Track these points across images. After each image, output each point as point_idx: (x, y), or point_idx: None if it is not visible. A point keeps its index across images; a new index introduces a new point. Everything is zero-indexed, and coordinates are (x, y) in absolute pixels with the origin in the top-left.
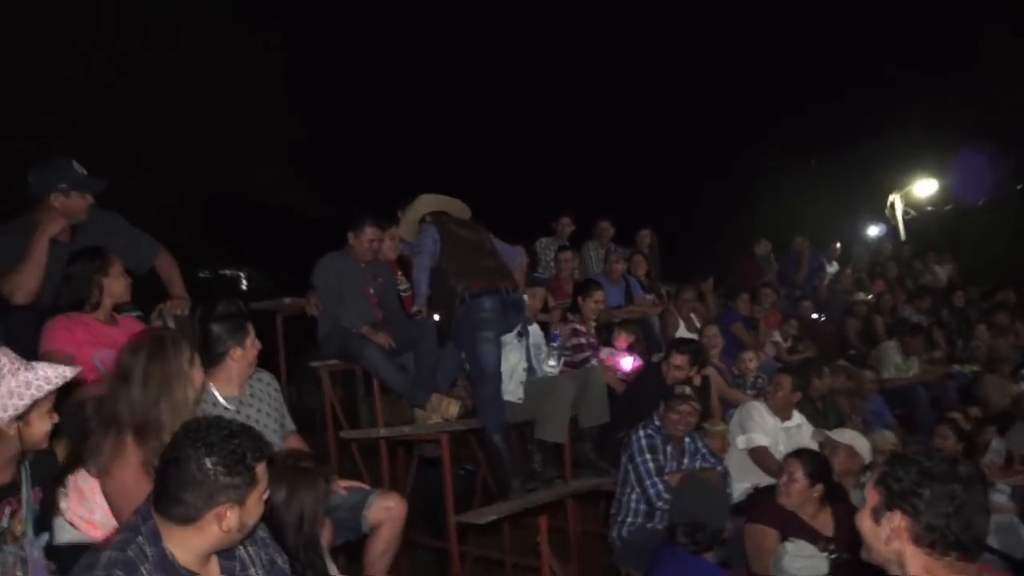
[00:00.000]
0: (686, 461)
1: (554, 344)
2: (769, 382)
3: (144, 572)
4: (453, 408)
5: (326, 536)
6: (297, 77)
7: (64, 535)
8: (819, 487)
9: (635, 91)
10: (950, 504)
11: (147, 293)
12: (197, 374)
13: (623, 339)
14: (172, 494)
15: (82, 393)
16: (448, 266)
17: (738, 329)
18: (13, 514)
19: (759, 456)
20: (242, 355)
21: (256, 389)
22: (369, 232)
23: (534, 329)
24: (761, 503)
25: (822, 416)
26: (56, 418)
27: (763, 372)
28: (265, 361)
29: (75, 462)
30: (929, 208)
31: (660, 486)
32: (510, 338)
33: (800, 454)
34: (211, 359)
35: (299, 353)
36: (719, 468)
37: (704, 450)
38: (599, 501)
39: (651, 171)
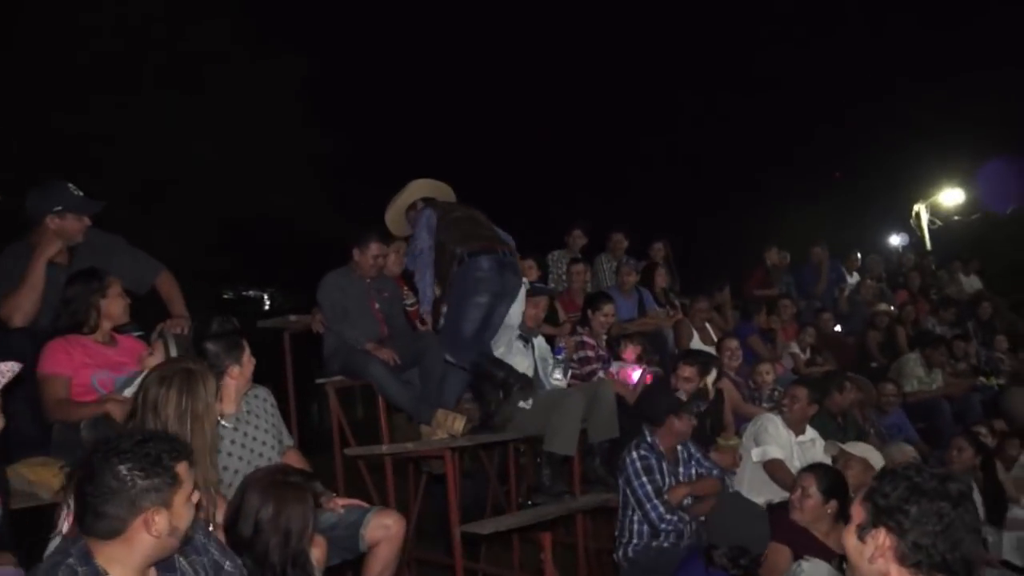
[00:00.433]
0: (681, 470)
1: (558, 356)
2: (785, 395)
3: None
4: (459, 424)
5: (318, 554)
6: (319, 98)
7: None
8: (833, 503)
9: (651, 103)
10: (938, 522)
11: (150, 312)
12: (219, 406)
13: (630, 350)
14: (94, 510)
15: (80, 414)
16: (446, 237)
17: (754, 341)
18: None
19: (774, 469)
20: (239, 372)
21: (253, 405)
22: (374, 248)
23: (539, 341)
24: (774, 519)
25: (842, 431)
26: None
27: (780, 385)
28: (275, 380)
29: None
30: (956, 217)
31: (661, 508)
32: (518, 345)
33: (815, 468)
34: None
35: (314, 371)
36: (715, 473)
37: (698, 455)
38: (610, 517)
39: (666, 182)
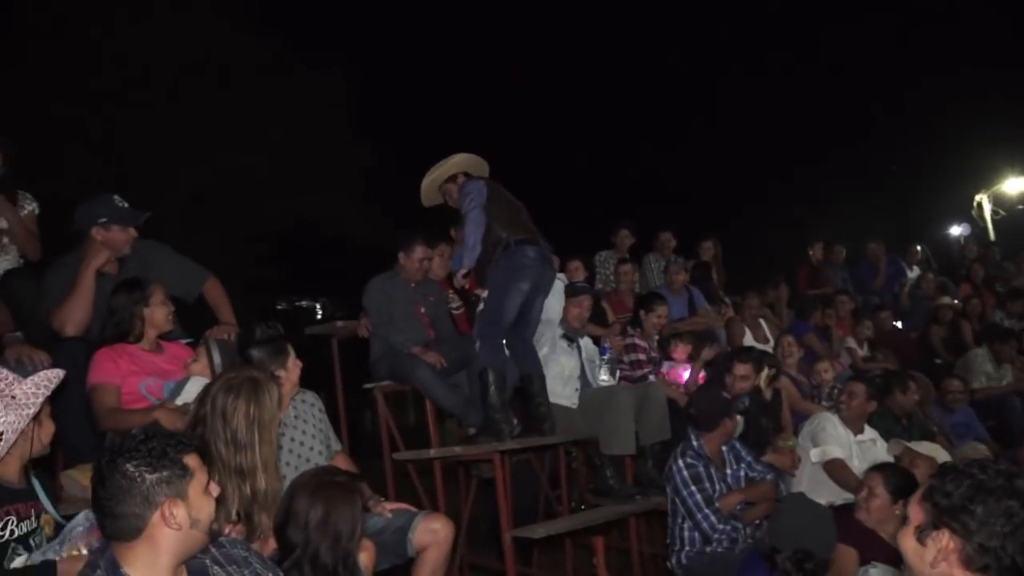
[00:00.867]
0: (728, 472)
1: (604, 357)
2: (842, 392)
3: None
4: None
5: (366, 559)
6: (365, 106)
7: None
8: (902, 504)
9: (698, 95)
10: (1006, 523)
11: (200, 319)
12: (282, 412)
13: (680, 349)
14: (110, 512)
15: (130, 422)
16: (492, 217)
17: (810, 339)
18: (38, 516)
19: (835, 469)
20: (285, 377)
21: (300, 410)
22: (419, 251)
23: (585, 342)
24: (840, 520)
25: (907, 433)
26: None
27: (839, 383)
28: (325, 386)
29: None
30: (1020, 207)
31: (713, 518)
32: (562, 344)
33: (882, 468)
34: None
35: (365, 377)
36: (768, 476)
37: (748, 457)
38: (665, 520)
39: (715, 176)
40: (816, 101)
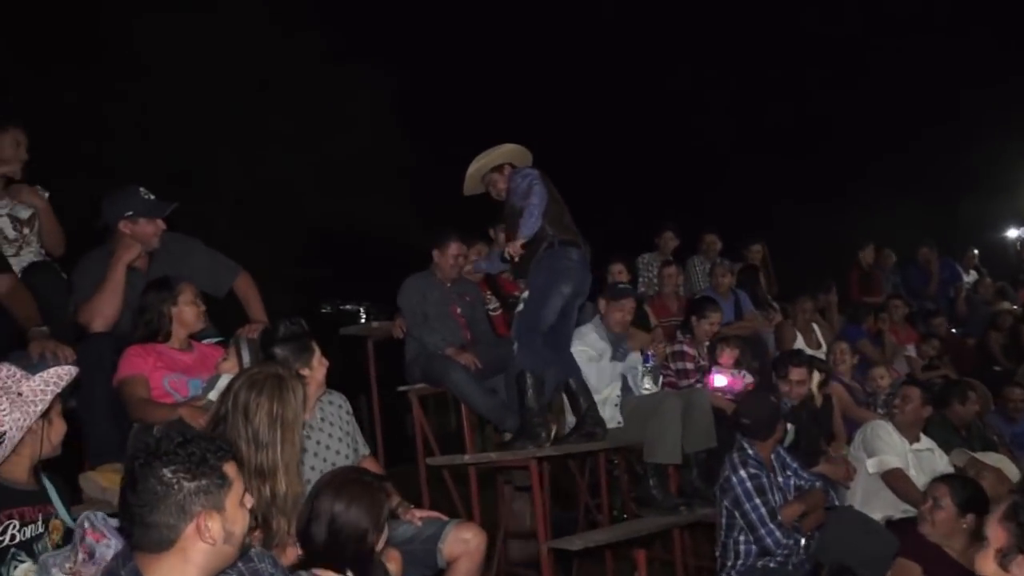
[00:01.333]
0: (780, 480)
1: (647, 365)
2: (896, 396)
3: None
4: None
5: (394, 569)
6: (411, 112)
7: None
8: (970, 517)
9: (745, 96)
10: None
11: (232, 319)
12: (307, 412)
13: (727, 355)
14: (141, 521)
15: (155, 415)
16: (544, 211)
17: (864, 345)
18: (47, 520)
19: (894, 480)
20: (310, 376)
21: (327, 412)
22: (454, 247)
23: (632, 356)
24: (899, 534)
25: (967, 443)
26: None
27: (895, 389)
28: (364, 389)
29: None
30: None
31: (778, 533)
32: (604, 363)
33: (949, 478)
34: None
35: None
36: (818, 484)
37: (794, 464)
38: (710, 532)
39: (759, 178)
40: (866, 101)
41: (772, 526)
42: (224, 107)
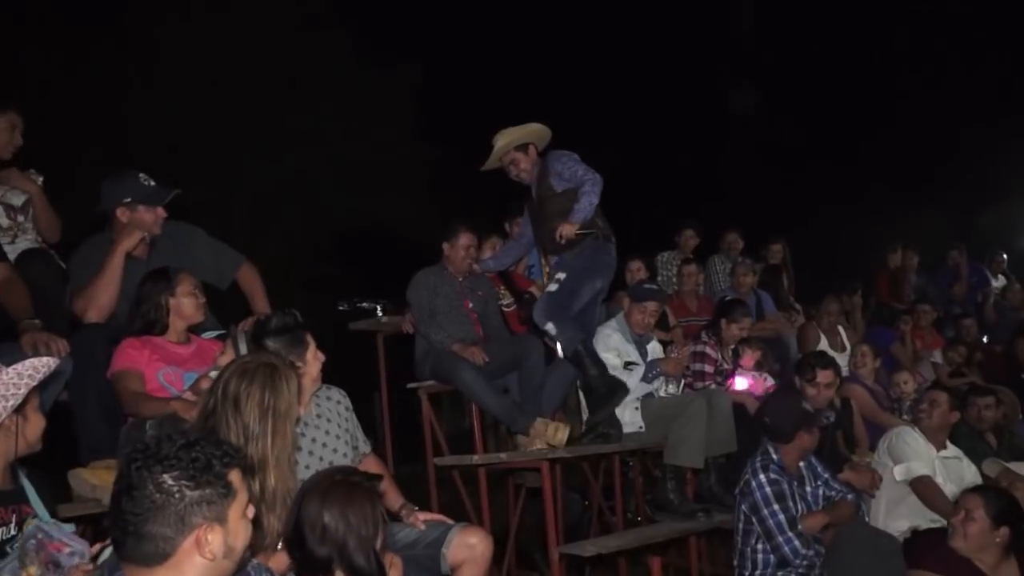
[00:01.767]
0: (808, 490)
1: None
2: (922, 401)
3: None
4: (561, 433)
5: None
6: (430, 109)
7: None
8: (1004, 531)
9: (769, 93)
10: None
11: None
12: (301, 408)
13: (748, 356)
14: (134, 531)
15: (148, 408)
16: None
17: (897, 349)
18: (20, 523)
19: (923, 488)
20: (304, 371)
21: (324, 408)
22: (464, 239)
23: (653, 346)
24: (927, 546)
25: (994, 452)
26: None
27: (920, 395)
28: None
29: None
30: None
31: (796, 542)
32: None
33: (983, 490)
34: None
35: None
36: (849, 497)
37: (826, 475)
38: (727, 538)
39: (782, 175)
40: (889, 100)
41: (791, 534)
42: (245, 104)
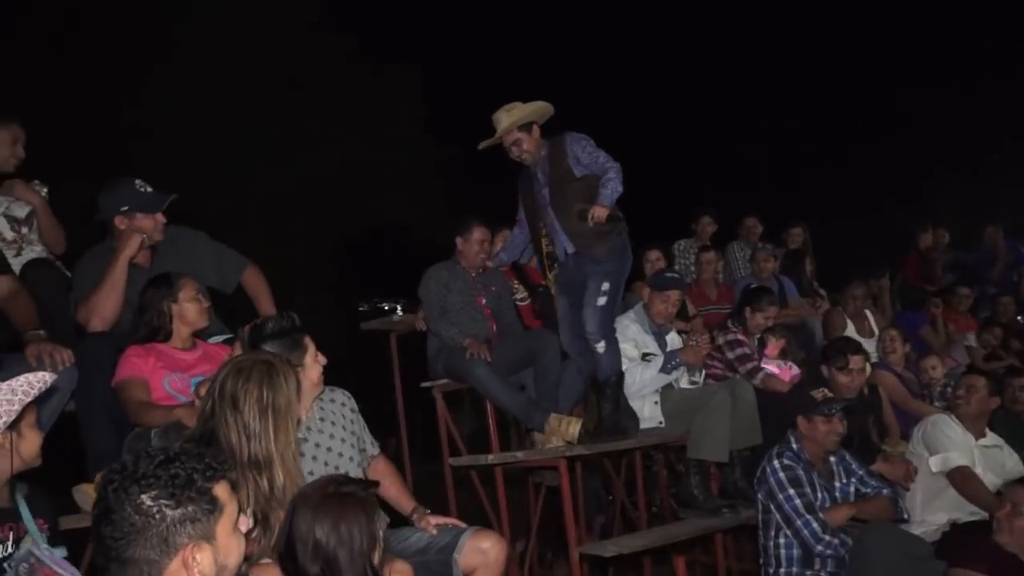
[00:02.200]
0: (837, 485)
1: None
2: (959, 387)
3: None
4: (574, 427)
5: None
6: (440, 107)
7: None
8: None
9: (783, 74)
10: None
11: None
12: (301, 411)
13: (772, 344)
14: (116, 556)
15: (152, 418)
16: None
17: (928, 333)
18: (17, 541)
19: (962, 480)
20: (303, 375)
21: (327, 411)
22: (477, 233)
23: (672, 337)
24: (968, 542)
25: None
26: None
27: (951, 380)
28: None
29: None
30: None
31: (815, 524)
32: (648, 372)
33: None
34: None
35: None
36: (885, 492)
37: (861, 471)
38: (755, 534)
39: (803, 157)
40: (913, 79)
41: (808, 517)
42: (254, 108)
